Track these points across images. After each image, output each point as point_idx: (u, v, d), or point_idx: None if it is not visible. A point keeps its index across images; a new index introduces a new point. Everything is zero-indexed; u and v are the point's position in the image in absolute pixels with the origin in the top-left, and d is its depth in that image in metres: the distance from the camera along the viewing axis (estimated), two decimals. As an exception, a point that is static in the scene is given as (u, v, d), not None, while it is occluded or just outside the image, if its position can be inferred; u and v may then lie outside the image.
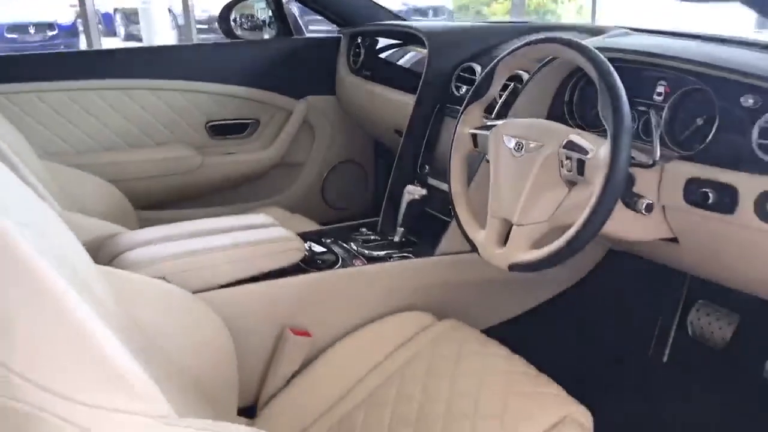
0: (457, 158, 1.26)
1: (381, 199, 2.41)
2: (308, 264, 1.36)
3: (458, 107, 1.56)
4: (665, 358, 1.64)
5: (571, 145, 1.04)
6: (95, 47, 5.38)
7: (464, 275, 1.48)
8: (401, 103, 1.85)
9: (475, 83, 1.24)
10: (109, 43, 9.21)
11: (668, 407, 1.51)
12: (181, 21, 9.47)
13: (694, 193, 1.09)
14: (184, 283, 1.18)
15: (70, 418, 0.59)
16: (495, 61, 1.20)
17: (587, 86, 1.35)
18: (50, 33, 10.24)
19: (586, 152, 1.01)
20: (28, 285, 0.60)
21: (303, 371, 1.29)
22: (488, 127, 1.20)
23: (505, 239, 1.13)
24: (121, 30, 11.70)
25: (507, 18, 10.10)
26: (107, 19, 11.62)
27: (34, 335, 0.60)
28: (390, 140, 2.05)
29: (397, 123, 1.92)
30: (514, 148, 1.12)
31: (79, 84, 1.91)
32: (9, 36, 9.75)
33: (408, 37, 1.98)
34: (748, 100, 1.05)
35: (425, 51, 1.72)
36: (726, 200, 1.05)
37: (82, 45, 10.44)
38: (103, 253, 1.23)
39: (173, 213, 2.01)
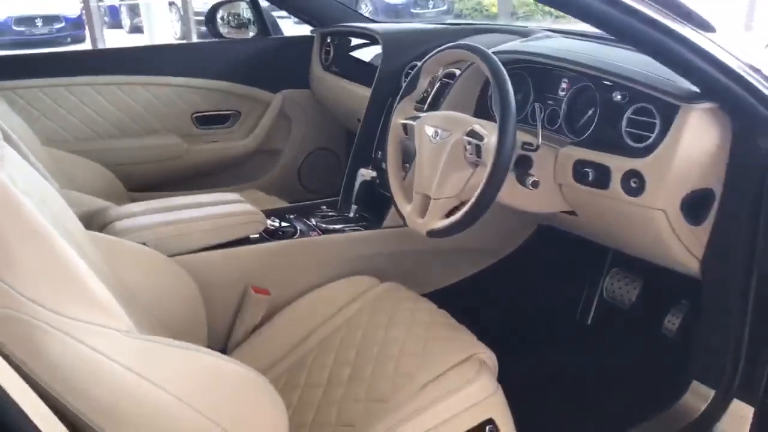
0: (392, 144, 1.49)
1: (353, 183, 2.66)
2: (271, 235, 1.60)
3: (405, 100, 1.80)
4: (590, 320, 1.88)
5: (472, 133, 1.27)
6: (98, 40, 5.62)
7: (405, 246, 1.72)
8: (362, 96, 2.08)
9: (406, 82, 1.47)
10: (114, 35, 9.43)
11: (577, 359, 1.74)
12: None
13: (579, 172, 1.33)
14: (162, 248, 1.42)
15: (58, 326, 0.83)
16: (421, 63, 1.43)
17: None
18: (57, 25, 10.47)
19: (482, 138, 1.24)
20: (22, 225, 0.83)
21: (264, 325, 1.53)
22: (414, 118, 1.43)
23: (425, 211, 1.37)
24: (126, 22, 11.92)
25: (495, 10, 10.27)
26: (113, 12, 11.82)
27: (30, 264, 0.83)
28: (356, 129, 2.28)
29: (359, 113, 2.15)
30: (432, 136, 1.35)
31: (77, 80, 2.15)
32: (17, 29, 9.99)
33: (372, 38, 2.21)
34: (617, 96, 1.28)
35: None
36: (602, 178, 1.28)
37: (88, 36, 10.70)
38: (94, 222, 1.47)
39: (161, 195, 2.24)
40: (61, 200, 1.19)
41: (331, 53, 2.34)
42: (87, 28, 5.47)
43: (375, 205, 1.77)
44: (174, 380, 0.91)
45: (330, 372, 1.39)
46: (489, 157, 1.21)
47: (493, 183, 1.20)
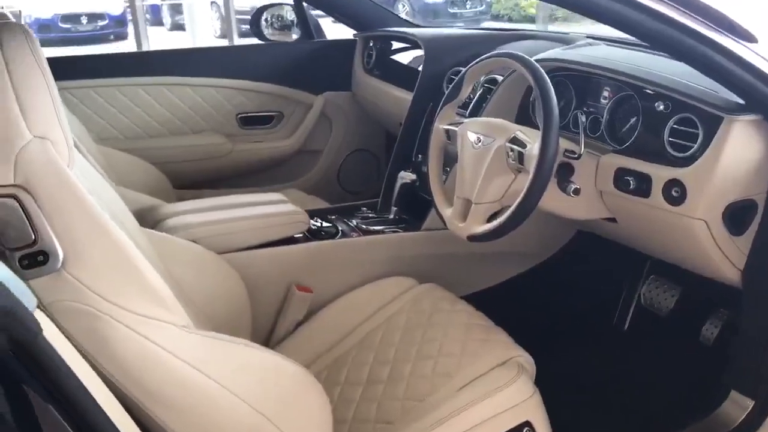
0: (434, 149, 1.52)
1: (392, 185, 2.70)
2: (313, 235, 1.65)
3: (446, 105, 1.83)
4: (626, 326, 1.89)
5: (514, 140, 1.29)
6: (142, 37, 5.76)
7: (445, 248, 1.75)
8: (403, 100, 2.12)
9: (450, 87, 1.50)
10: (155, 33, 9.64)
11: (614, 365, 1.75)
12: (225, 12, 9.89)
13: (621, 180, 1.34)
14: (211, 246, 1.47)
15: (121, 319, 0.88)
16: (464, 70, 1.46)
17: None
18: (101, 23, 10.74)
19: (524, 145, 1.27)
20: (90, 222, 0.89)
21: (306, 322, 1.58)
22: (457, 124, 1.46)
23: (466, 215, 1.40)
24: (167, 20, 12.16)
25: (533, 11, 10.22)
26: (155, 10, 12.06)
27: (97, 259, 0.89)
28: (397, 132, 2.32)
29: (401, 117, 2.19)
30: (475, 142, 1.38)
31: (127, 80, 2.23)
32: (63, 26, 10.27)
33: (411, 42, 2.24)
34: (659, 106, 1.29)
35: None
36: (644, 186, 1.30)
37: (131, 34, 10.94)
38: (146, 219, 1.54)
39: (207, 192, 2.31)
40: (118, 198, 1.25)
41: (373, 57, 2.38)
42: (132, 25, 5.60)
43: (414, 208, 1.81)
44: (228, 374, 0.96)
45: (370, 370, 1.43)
46: (531, 165, 1.23)
47: (535, 190, 1.22)
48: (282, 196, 1.71)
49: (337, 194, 2.59)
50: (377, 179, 2.69)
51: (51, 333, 0.73)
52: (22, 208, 0.84)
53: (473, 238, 1.36)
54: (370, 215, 1.82)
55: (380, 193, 2.65)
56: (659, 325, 1.76)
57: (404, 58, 2.41)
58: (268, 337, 1.59)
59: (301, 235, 1.63)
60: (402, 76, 2.22)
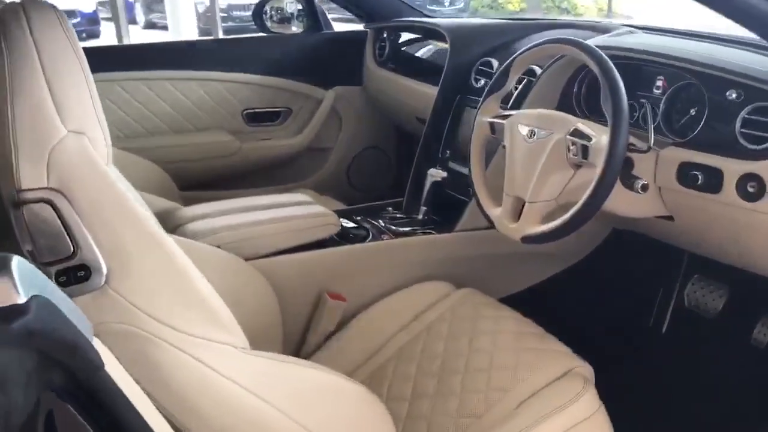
0: (477, 144, 1.41)
1: (402, 182, 2.58)
2: (342, 238, 1.53)
3: (477, 98, 1.72)
4: (665, 329, 1.80)
5: (577, 133, 1.19)
6: (123, 35, 5.57)
7: (480, 249, 1.64)
8: (423, 93, 2.01)
9: (493, 77, 1.40)
10: (129, 31, 9.40)
11: (664, 371, 1.67)
12: (200, 9, 9.68)
13: (686, 175, 1.25)
14: (237, 251, 1.35)
15: (174, 342, 0.76)
16: (511, 58, 1.35)
17: (594, 81, 1.50)
18: (73, 20, 10.47)
19: (589, 139, 1.17)
20: (141, 235, 0.77)
21: (339, 331, 1.46)
22: (504, 117, 1.35)
23: (517, 215, 1.29)
24: (141, 18, 11.92)
25: (523, 8, 10.20)
26: (128, 7, 11.83)
27: (148, 275, 0.77)
28: (412, 127, 2.21)
29: (419, 111, 2.08)
30: (527, 135, 1.27)
31: (127, 75, 2.08)
32: (34, 24, 9.96)
33: (429, 33, 2.13)
34: (732, 95, 1.20)
35: (446, 45, 1.87)
36: (713, 181, 1.21)
37: (104, 32, 10.67)
38: (166, 223, 1.41)
39: (213, 193, 2.18)
40: (142, 201, 1.13)
41: (386, 49, 2.27)
42: (111, 22, 5.40)
43: (444, 207, 1.70)
44: (289, 398, 0.85)
45: (414, 384, 1.32)
46: (599, 158, 1.13)
47: (605, 185, 1.13)
48: (307, 196, 1.59)
49: (347, 193, 2.48)
50: (388, 177, 2.59)
51: (110, 363, 0.61)
52: (57, 215, 0.72)
53: (529, 239, 1.25)
54: (398, 216, 1.71)
55: (394, 191, 2.56)
56: (707, 327, 1.68)
57: (422, 51, 2.30)
58: (298, 349, 1.47)
59: (328, 238, 1.51)
60: (420, 68, 2.11)
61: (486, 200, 1.38)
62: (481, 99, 1.41)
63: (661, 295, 1.83)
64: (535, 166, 1.25)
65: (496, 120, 1.37)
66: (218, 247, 1.35)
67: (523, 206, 1.29)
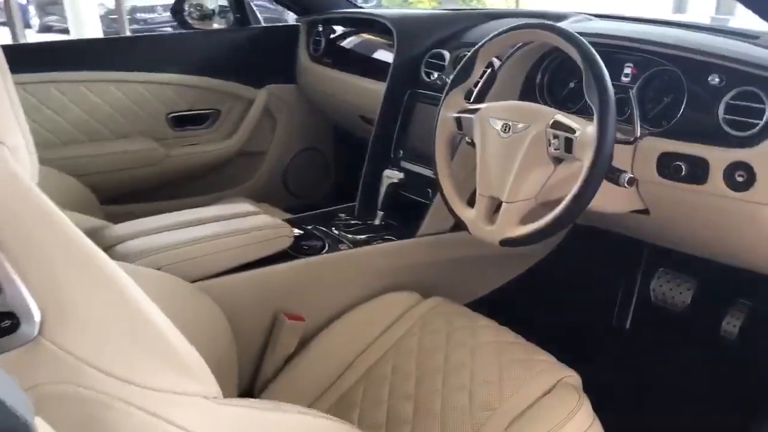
0: (442, 142, 1.30)
1: (343, 185, 2.45)
2: (295, 250, 1.38)
3: (429, 92, 1.62)
4: (628, 325, 1.75)
5: (557, 125, 1.10)
6: (20, 39, 5.14)
7: (445, 254, 1.53)
8: (367, 89, 1.88)
9: (457, 69, 1.29)
10: (26, 35, 8.79)
11: (633, 370, 1.61)
12: (101, 11, 9.14)
13: (667, 166, 1.18)
14: (181, 273, 1.18)
15: (139, 403, 0.60)
16: (477, 46, 1.25)
17: (557, 69, 1.42)
18: (-40, 25, 9.69)
19: (573, 131, 1.07)
20: (79, 262, 0.60)
21: (298, 354, 1.32)
22: (472, 111, 1.25)
23: (494, 217, 1.19)
24: (36, 21, 11.18)
25: (435, 6, 10.25)
26: (22, 11, 11.09)
27: (95, 317, 0.61)
28: (355, 127, 2.08)
29: (362, 109, 1.95)
30: (501, 130, 1.17)
31: (34, 77, 1.84)
32: None
33: (368, 25, 2.01)
34: (714, 79, 1.14)
35: (389, 39, 1.75)
36: (698, 172, 1.14)
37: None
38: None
39: (139, 206, 1.98)
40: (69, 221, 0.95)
41: (322, 43, 2.13)
42: (8, 27, 4.96)
43: (402, 211, 1.58)
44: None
45: (388, 408, 1.19)
46: (585, 152, 1.04)
47: (593, 180, 1.04)
48: (252, 206, 1.43)
49: (285, 199, 2.32)
50: (327, 181, 2.44)
51: None
52: (-31, 249, 0.55)
53: (509, 242, 1.15)
54: (352, 222, 1.57)
55: (335, 195, 2.42)
56: (675, 322, 1.63)
57: (358, 45, 2.17)
58: (254, 377, 1.31)
59: (281, 252, 1.36)
60: (361, 63, 1.98)
61: (457, 202, 1.27)
62: (444, 93, 1.30)
63: (622, 291, 1.78)
64: (512, 162, 1.15)
65: (463, 115, 1.26)
66: (159, 269, 1.17)
67: (499, 207, 1.19)
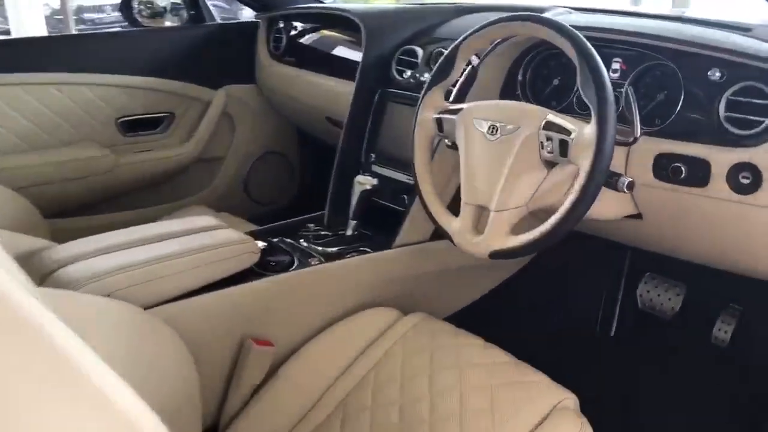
0: (421, 145, 1.20)
1: (308, 191, 2.33)
2: (262, 268, 1.26)
3: (402, 92, 1.52)
4: (613, 332, 1.67)
5: (551, 126, 1.00)
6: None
7: (425, 265, 1.43)
8: (334, 89, 1.77)
9: (436, 66, 1.18)
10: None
11: (624, 379, 1.54)
12: (46, 12, 8.75)
13: (665, 168, 1.09)
14: (134, 299, 1.05)
15: None
16: (459, 40, 1.14)
17: (540, 65, 1.33)
18: None
19: (569, 132, 0.98)
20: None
21: (267, 383, 1.19)
22: (454, 111, 1.14)
23: (481, 227, 1.09)
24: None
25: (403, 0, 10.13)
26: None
27: (17, 392, 0.48)
28: (320, 129, 1.96)
29: (329, 111, 1.83)
30: (488, 132, 1.07)
31: (-36, 80, 1.68)
32: None
33: (332, 21, 1.89)
34: (715, 74, 1.06)
35: (355, 35, 1.65)
36: (699, 174, 1.06)
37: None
38: (31, 271, 1.07)
39: (88, 219, 1.82)
40: None
41: (283, 41, 2.00)
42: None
43: (376, 219, 1.46)
44: None
45: (370, 441, 1.08)
46: (583, 155, 0.95)
47: (593, 185, 0.95)
48: (212, 219, 1.29)
49: (247, 207, 2.19)
50: (292, 186, 2.32)
51: None
52: None
53: (499, 254, 1.05)
54: (322, 233, 1.45)
55: (300, 201, 2.30)
56: (664, 329, 1.56)
57: (319, 42, 2.05)
58: (219, 411, 1.18)
59: (246, 270, 1.23)
60: (326, 61, 1.87)
61: (440, 212, 1.17)
62: (422, 92, 1.19)
63: (606, 297, 1.70)
64: (501, 167, 1.05)
65: (444, 116, 1.16)
66: (108, 296, 1.04)
67: (483, 216, 1.09)
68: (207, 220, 1.29)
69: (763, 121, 1.01)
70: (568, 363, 1.55)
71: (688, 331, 1.52)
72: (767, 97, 1.01)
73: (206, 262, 1.14)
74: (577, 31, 0.99)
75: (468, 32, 1.12)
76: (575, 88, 1.27)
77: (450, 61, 1.16)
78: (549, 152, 1.01)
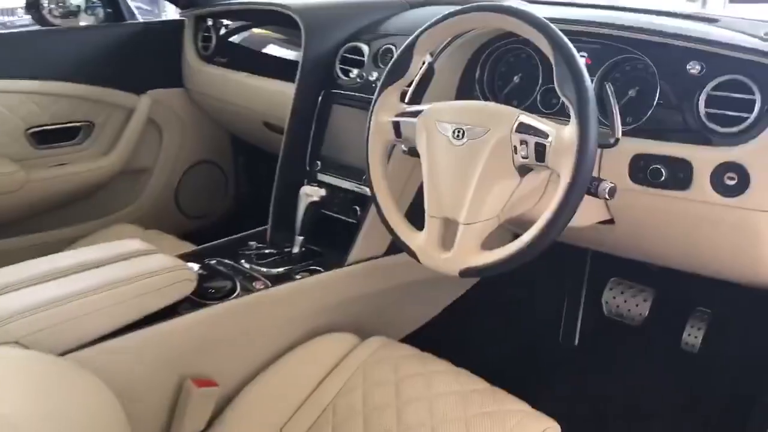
0: (377, 152, 1.07)
1: (244, 202, 2.17)
2: (200, 296, 1.10)
3: (348, 93, 1.39)
4: (576, 341, 1.60)
5: (524, 128, 0.90)
6: None
7: (380, 283, 1.31)
8: (271, 92, 1.63)
9: (390, 64, 1.06)
10: None
11: (593, 388, 1.46)
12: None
13: (642, 170, 1.01)
14: (46, 345, 0.89)
15: None
16: (415, 34, 1.02)
17: (497, 62, 1.23)
18: None
19: (545, 135, 0.88)
20: None
21: (212, 428, 1.05)
22: (413, 113, 1.02)
23: (449, 241, 0.97)
24: None
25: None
26: None
27: None
28: (257, 136, 1.81)
29: (266, 115, 1.69)
30: (453, 136, 0.96)
31: None
32: None
33: (266, 17, 1.75)
34: (694, 67, 0.98)
35: (293, 33, 1.51)
36: (679, 175, 0.98)
37: None
38: None
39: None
40: None
41: (213, 40, 1.84)
42: None
43: (325, 234, 1.33)
44: None
45: (334, 490, 0.95)
46: (564, 159, 0.85)
47: (576, 193, 0.85)
48: (140, 243, 1.13)
49: (178, 222, 2.01)
50: (226, 198, 2.15)
51: None
52: None
53: (471, 272, 0.94)
54: (266, 251, 1.31)
55: (236, 214, 2.13)
56: (632, 336, 1.49)
57: (250, 40, 1.89)
58: (155, 466, 1.03)
59: (182, 300, 1.08)
60: (261, 62, 1.72)
61: (402, 225, 1.04)
62: (376, 93, 1.07)
63: (567, 304, 1.62)
64: (470, 175, 0.94)
65: (402, 119, 1.04)
66: (15, 343, 0.87)
67: (454, 228, 0.97)
68: (132, 244, 1.12)
69: (747, 117, 0.94)
70: (535, 377, 1.46)
71: (657, 338, 1.45)
72: (750, 91, 0.93)
73: (133, 296, 0.98)
74: (550, 24, 0.89)
75: (427, 24, 1.00)
76: (539, 86, 1.18)
77: (406, 57, 1.04)
78: (523, 157, 0.90)
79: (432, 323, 1.46)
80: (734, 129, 0.95)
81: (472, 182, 0.93)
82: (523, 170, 0.93)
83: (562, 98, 0.87)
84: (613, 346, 1.52)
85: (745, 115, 0.94)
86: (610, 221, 1.13)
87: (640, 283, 1.49)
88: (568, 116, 1.11)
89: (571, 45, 0.87)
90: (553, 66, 0.88)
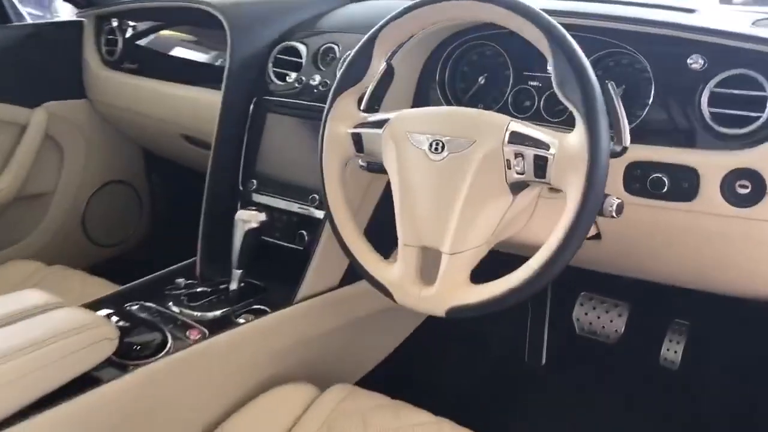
0: (334, 169, 0.90)
1: (161, 226, 1.93)
2: (123, 356, 0.89)
3: (284, 99, 1.21)
4: (543, 360, 1.48)
5: (519, 138, 0.75)
6: None
7: (336, 319, 1.14)
8: (191, 101, 1.43)
9: (347, 63, 0.89)
10: None
11: (569, 413, 1.34)
12: None
13: (640, 180, 0.89)
14: None
15: None
16: (375, 29, 0.86)
17: (459, 60, 1.08)
18: None
19: (546, 146, 0.73)
20: None
21: None
22: (377, 123, 0.86)
23: (430, 275, 0.82)
24: None
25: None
26: None
27: None
28: (174, 150, 1.60)
29: (186, 127, 1.48)
30: (430, 149, 0.80)
31: None
32: None
33: (181, 17, 1.54)
34: (697, 61, 0.86)
35: (214, 33, 1.31)
36: (684, 185, 0.86)
37: None
38: None
39: None
40: None
41: (119, 43, 1.60)
42: None
43: (268, 265, 1.14)
44: None
45: None
46: (571, 174, 0.71)
47: (588, 211, 0.71)
48: (40, 293, 0.91)
49: (86, 253, 1.76)
50: (141, 222, 1.91)
51: None
52: None
53: (457, 311, 0.79)
54: (198, 290, 1.10)
55: (153, 240, 1.89)
56: (608, 354, 1.38)
57: (163, 43, 1.67)
58: None
59: (102, 363, 0.86)
60: (178, 66, 1.51)
61: (369, 255, 0.88)
62: (329, 100, 0.90)
63: (531, 322, 1.50)
64: (454, 196, 0.78)
65: (363, 130, 0.87)
66: None
67: (433, 258, 0.82)
68: (32, 296, 0.90)
69: (758, 117, 0.83)
70: (511, 404, 1.33)
71: (634, 355, 1.35)
72: (761, 87, 0.83)
73: (36, 368, 0.77)
74: (551, 18, 0.74)
75: (390, 16, 0.84)
76: (509, 87, 1.04)
77: (363, 57, 0.87)
78: (519, 173, 0.76)
79: (392, 357, 1.29)
80: (743, 130, 0.84)
81: (456, 204, 0.78)
82: (517, 187, 0.78)
83: (564, 101, 0.73)
84: (585, 366, 1.41)
85: (754, 114, 0.83)
86: (597, 236, 1.01)
87: (612, 297, 1.38)
88: (548, 121, 1.00)
89: (572, 40, 0.73)
90: (551, 64, 0.74)
